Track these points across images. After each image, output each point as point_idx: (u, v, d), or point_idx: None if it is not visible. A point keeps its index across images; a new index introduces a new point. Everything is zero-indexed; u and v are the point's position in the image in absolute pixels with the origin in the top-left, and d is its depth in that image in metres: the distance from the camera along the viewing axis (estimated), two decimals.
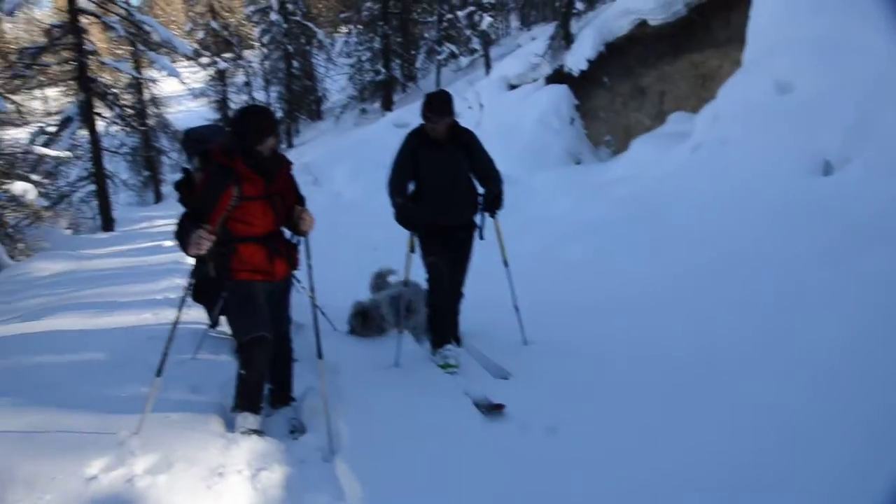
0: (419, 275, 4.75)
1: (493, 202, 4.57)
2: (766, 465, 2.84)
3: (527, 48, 13.98)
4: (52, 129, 17.71)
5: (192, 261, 4.02)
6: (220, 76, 28.24)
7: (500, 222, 4.72)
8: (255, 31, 29.40)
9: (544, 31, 13.66)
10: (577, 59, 10.80)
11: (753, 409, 3.28)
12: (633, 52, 10.06)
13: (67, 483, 2.80)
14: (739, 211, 5.56)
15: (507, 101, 12.67)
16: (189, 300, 3.85)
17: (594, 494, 2.90)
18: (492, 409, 3.74)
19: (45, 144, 16.32)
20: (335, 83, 30.35)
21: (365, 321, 5.31)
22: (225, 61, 27.21)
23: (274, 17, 27.03)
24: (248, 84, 29.33)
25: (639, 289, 5.33)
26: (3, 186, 12.38)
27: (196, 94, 26.97)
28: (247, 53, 30.33)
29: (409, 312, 5.14)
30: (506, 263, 4.78)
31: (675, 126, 8.73)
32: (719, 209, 5.81)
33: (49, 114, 21.81)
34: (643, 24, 9.42)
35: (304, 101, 29.63)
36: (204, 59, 25.31)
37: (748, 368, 3.68)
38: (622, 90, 10.52)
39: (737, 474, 2.83)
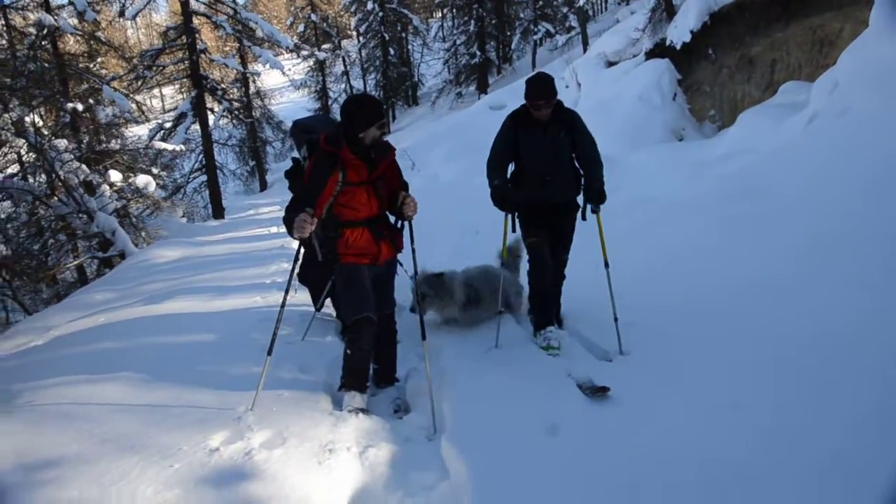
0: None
1: (596, 196, 4.37)
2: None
3: (625, 23, 13.51)
4: (168, 124, 18.90)
5: (296, 245, 4.18)
6: (320, 67, 29.09)
7: (602, 218, 4.49)
8: (353, 21, 30.07)
9: (644, 4, 13.12)
10: (679, 32, 10.31)
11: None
12: (740, 19, 9.49)
13: (193, 454, 3.00)
14: (861, 186, 5.14)
15: (606, 79, 12.29)
16: (296, 283, 4.01)
17: (694, 483, 2.81)
18: (596, 392, 3.68)
19: (163, 139, 17.43)
20: (431, 68, 30.64)
21: (427, 297, 4.80)
22: (324, 52, 27.97)
23: (370, 5, 27.53)
24: (346, 73, 30.06)
25: (744, 270, 5.05)
26: (128, 180, 13.35)
27: (297, 86, 27.91)
28: (345, 43, 31.11)
29: (475, 302, 4.92)
30: (606, 265, 4.48)
31: (788, 97, 8.17)
32: (838, 185, 5.37)
33: (165, 111, 23.31)
34: None
35: (401, 87, 30.09)
36: (304, 52, 26.13)
37: (868, 355, 3.41)
38: (728, 61, 9.96)
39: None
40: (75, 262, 13.00)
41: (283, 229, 3.92)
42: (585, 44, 16.83)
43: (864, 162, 5.31)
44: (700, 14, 9.88)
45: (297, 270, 4.04)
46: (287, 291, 3.87)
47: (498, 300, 4.75)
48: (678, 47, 10.42)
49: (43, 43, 12.72)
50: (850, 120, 5.90)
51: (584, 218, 4.60)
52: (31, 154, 12.10)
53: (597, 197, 4.38)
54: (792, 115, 7.18)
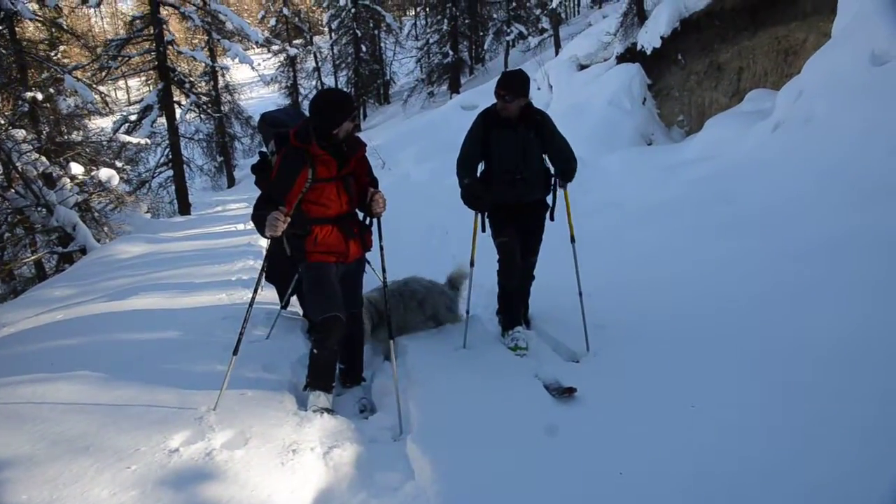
0: (486, 258, 4.69)
1: (566, 173, 4.37)
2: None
3: (598, 27, 13.63)
4: (133, 117, 18.50)
5: (265, 242, 4.11)
6: (291, 62, 28.78)
7: (571, 198, 4.51)
8: (325, 17, 29.82)
9: (616, 9, 13.25)
10: (650, 37, 10.44)
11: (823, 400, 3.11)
12: (710, 27, 9.65)
13: (152, 455, 2.92)
14: (824, 194, 5.24)
15: (577, 82, 12.38)
16: (263, 281, 3.94)
17: (664, 478, 2.82)
18: (563, 393, 3.68)
19: (128, 132, 17.06)
20: (403, 66, 30.55)
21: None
22: (295, 47, 27.69)
23: (343, 1, 27.32)
24: (317, 69, 29.80)
25: (711, 274, 5.13)
26: (91, 173, 13.01)
27: (267, 81, 27.57)
28: (316, 39, 30.79)
29: (377, 321, 4.58)
30: (573, 239, 4.51)
31: (754, 104, 8.33)
32: (802, 191, 5.49)
33: (131, 103, 22.84)
34: None
35: (373, 85, 29.92)
36: (275, 46, 25.81)
37: (830, 358, 3.48)
38: (697, 68, 10.11)
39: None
40: (33, 258, 12.62)
41: (251, 226, 3.85)
42: (558, 46, 16.94)
43: (828, 168, 5.43)
44: (671, 20, 10.01)
45: (265, 268, 3.98)
46: (256, 290, 3.79)
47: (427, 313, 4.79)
48: (649, 52, 10.55)
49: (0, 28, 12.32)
50: (814, 127, 6.03)
51: (552, 218, 4.61)
52: None
53: (565, 174, 4.38)
54: (758, 122, 7.31)
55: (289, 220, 3.45)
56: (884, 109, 5.30)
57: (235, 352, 3.53)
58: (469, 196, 4.34)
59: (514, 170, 4.38)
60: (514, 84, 4.28)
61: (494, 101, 4.40)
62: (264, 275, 3.97)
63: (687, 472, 2.86)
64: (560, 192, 4.52)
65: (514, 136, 4.35)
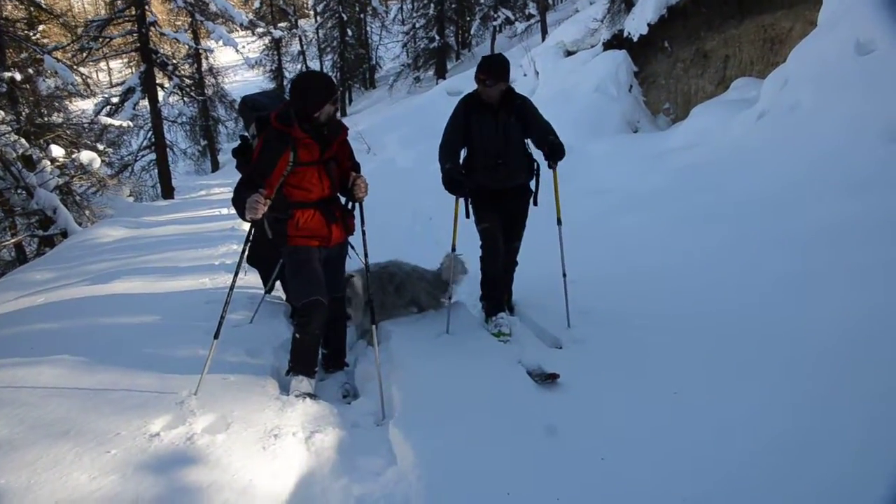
0: (470, 244, 4.68)
1: (555, 151, 4.24)
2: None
3: (585, 13, 13.57)
4: (115, 99, 18.22)
5: (247, 226, 4.07)
6: (276, 45, 28.43)
7: (560, 178, 4.44)
8: (310, 0, 29.45)
9: None
10: (637, 24, 10.42)
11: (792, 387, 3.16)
12: (696, 15, 9.64)
13: (132, 439, 2.90)
14: (809, 181, 5.29)
15: (564, 68, 12.36)
16: (245, 265, 3.90)
17: (645, 463, 2.85)
18: (546, 379, 3.70)
19: (109, 115, 16.80)
20: (389, 51, 30.33)
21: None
22: (280, 30, 27.36)
23: None
24: (302, 53, 29.49)
25: (696, 262, 5.17)
26: (72, 156, 12.82)
27: (252, 64, 27.19)
28: (302, 22, 30.44)
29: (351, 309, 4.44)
30: (559, 222, 4.53)
31: (740, 92, 8.35)
32: (787, 179, 5.54)
33: (113, 85, 22.47)
34: None
35: (358, 69, 29.67)
36: (259, 29, 25.48)
37: (805, 343, 3.52)
38: (684, 55, 10.11)
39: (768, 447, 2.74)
40: (13, 241, 12.44)
41: (234, 210, 3.81)
42: (544, 32, 16.86)
43: (813, 157, 5.47)
44: (658, 7, 9.99)
45: (246, 252, 3.95)
46: (237, 274, 3.76)
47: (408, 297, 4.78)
48: (635, 39, 10.54)
49: None
50: (798, 116, 6.06)
51: (535, 203, 4.61)
52: None
53: (554, 150, 4.24)
54: (743, 110, 7.34)
55: (269, 202, 3.42)
56: (869, 98, 5.33)
57: (217, 336, 3.50)
58: (449, 181, 4.31)
59: (496, 155, 4.37)
60: (494, 68, 4.26)
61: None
62: (247, 258, 3.94)
63: (668, 458, 2.89)
64: (543, 176, 4.52)
65: (494, 121, 4.34)
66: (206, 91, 21.83)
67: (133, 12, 16.56)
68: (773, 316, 3.94)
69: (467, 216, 4.53)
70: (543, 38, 15.90)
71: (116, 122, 15.42)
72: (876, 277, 3.83)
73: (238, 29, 20.97)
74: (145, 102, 17.39)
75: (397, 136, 14.73)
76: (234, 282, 3.71)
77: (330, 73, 26.98)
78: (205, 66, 22.17)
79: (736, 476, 2.71)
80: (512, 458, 2.99)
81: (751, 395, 3.25)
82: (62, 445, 2.81)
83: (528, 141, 4.52)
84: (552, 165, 4.33)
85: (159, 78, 17.91)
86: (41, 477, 2.58)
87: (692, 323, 4.22)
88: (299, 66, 29.20)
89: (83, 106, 17.42)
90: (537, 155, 4.50)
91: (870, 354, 3.23)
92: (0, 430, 2.94)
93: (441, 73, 23.54)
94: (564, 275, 4.54)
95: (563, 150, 4.28)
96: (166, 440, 2.92)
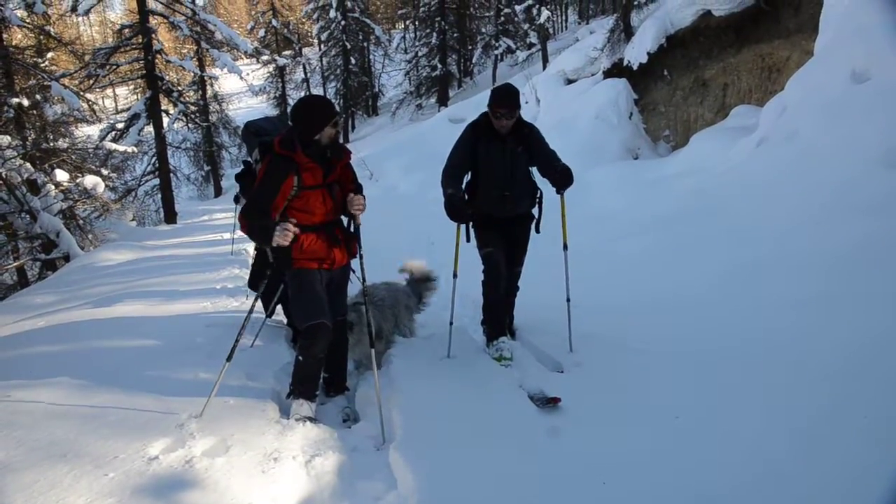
0: (471, 268, 4.69)
1: (565, 177, 4.24)
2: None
3: (585, 42, 13.77)
4: (120, 125, 18.39)
5: (251, 250, 4.10)
6: (280, 73, 28.81)
7: (566, 203, 4.45)
8: (314, 29, 29.92)
9: (603, 25, 13.43)
10: (637, 53, 10.56)
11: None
12: (695, 44, 9.78)
13: (131, 462, 2.88)
14: (808, 207, 5.32)
15: (565, 96, 12.49)
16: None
17: (647, 488, 2.83)
18: (547, 403, 3.68)
19: (114, 140, 16.94)
20: (392, 79, 30.69)
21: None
22: (284, 58, 27.72)
23: (333, 13, 27.42)
24: (306, 80, 29.85)
25: (695, 287, 5.17)
26: (76, 180, 12.91)
27: (256, 91, 27.57)
28: (306, 51, 30.91)
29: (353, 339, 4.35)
30: (565, 247, 4.52)
31: (739, 120, 8.44)
32: (788, 205, 5.57)
33: (118, 111, 22.71)
34: (707, 14, 9.14)
35: (361, 96, 30.01)
36: (264, 57, 25.84)
37: (806, 368, 3.51)
38: (683, 83, 10.23)
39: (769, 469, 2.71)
40: (16, 264, 12.47)
41: (237, 235, 3.84)
42: (546, 60, 17.09)
43: (811, 184, 5.50)
44: (657, 36, 10.13)
45: (266, 275, 4.01)
46: (257, 297, 3.90)
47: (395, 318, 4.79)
48: (635, 68, 10.67)
49: None
50: (797, 143, 6.11)
51: (538, 230, 4.62)
52: None
53: (561, 177, 4.24)
54: (742, 138, 7.41)
55: (297, 230, 3.46)
56: (866, 125, 5.39)
57: (229, 358, 3.51)
58: (450, 207, 4.33)
59: (503, 185, 4.39)
60: (509, 100, 4.30)
61: (481, 113, 4.42)
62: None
63: (670, 483, 2.86)
64: (550, 202, 4.52)
65: (502, 149, 4.36)
66: (210, 117, 22.06)
67: (140, 40, 16.79)
68: (776, 340, 3.93)
69: (468, 240, 4.54)
70: (545, 67, 16.10)
71: (121, 148, 15.55)
72: (879, 303, 3.84)
73: (243, 56, 21.25)
74: (150, 128, 17.56)
75: (399, 162, 14.84)
76: (253, 305, 3.73)
77: (334, 100, 27.33)
78: (209, 92, 22.45)
79: (737, 501, 2.68)
80: (513, 482, 2.96)
81: (752, 420, 3.23)
82: (60, 468, 2.78)
83: (533, 168, 4.55)
84: (560, 192, 4.34)
85: (164, 104, 18.11)
86: (38, 500, 2.56)
87: (693, 347, 4.21)
88: (303, 93, 29.53)
89: (89, 131, 17.61)
90: (542, 182, 4.53)
91: (875, 380, 3.22)
92: None
93: (443, 101, 23.80)
94: (568, 299, 4.53)
95: (572, 176, 4.29)
96: (165, 463, 2.90)
